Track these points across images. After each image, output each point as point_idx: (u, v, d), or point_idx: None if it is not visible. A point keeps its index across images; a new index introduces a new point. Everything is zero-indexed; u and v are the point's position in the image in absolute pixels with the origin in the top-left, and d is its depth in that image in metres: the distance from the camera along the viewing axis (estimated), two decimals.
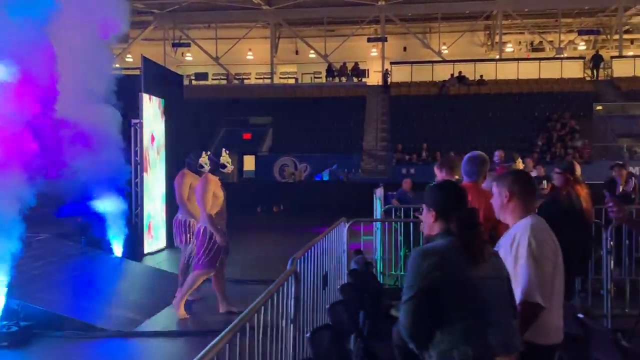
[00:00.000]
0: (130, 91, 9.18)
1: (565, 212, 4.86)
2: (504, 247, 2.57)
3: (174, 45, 30.27)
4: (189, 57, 31.99)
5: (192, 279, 5.93)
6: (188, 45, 30.45)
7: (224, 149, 6.15)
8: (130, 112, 9.38)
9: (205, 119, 21.91)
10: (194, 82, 28.63)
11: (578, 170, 5.12)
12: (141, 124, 9.48)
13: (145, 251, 9.42)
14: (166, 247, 10.25)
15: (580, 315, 2.98)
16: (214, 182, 5.82)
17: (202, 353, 1.77)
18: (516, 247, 2.52)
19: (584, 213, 4.96)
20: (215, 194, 5.76)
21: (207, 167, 6.40)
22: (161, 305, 6.36)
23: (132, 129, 9.54)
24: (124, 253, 8.38)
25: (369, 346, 3.29)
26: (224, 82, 29.77)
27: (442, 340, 2.18)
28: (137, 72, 10.72)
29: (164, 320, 5.96)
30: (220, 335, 1.97)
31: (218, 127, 23.61)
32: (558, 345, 2.59)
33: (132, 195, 9.25)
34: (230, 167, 6.02)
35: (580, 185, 5.01)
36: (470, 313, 2.19)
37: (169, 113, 10.77)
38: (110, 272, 7.60)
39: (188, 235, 6.58)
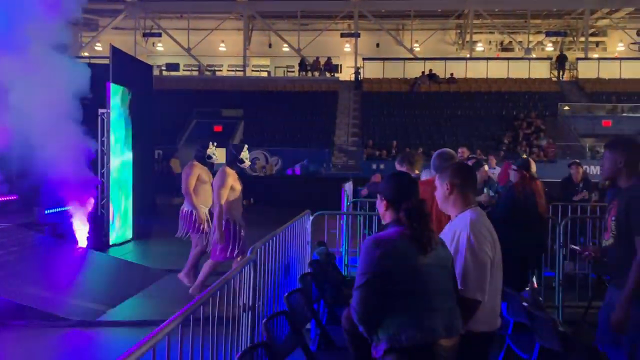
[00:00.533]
0: (99, 80, 9.07)
1: (520, 207, 5.06)
2: (445, 241, 2.65)
3: (144, 35, 29.84)
4: (160, 47, 31.58)
5: (209, 266, 5.96)
6: (159, 35, 30.07)
7: (245, 145, 6.18)
8: (98, 102, 9.28)
9: (175, 111, 21.72)
10: (164, 73, 28.31)
11: (533, 167, 5.31)
12: (108, 113, 9.38)
13: (111, 242, 9.35)
14: (133, 239, 10.19)
15: (525, 304, 3.14)
16: (232, 175, 5.82)
17: (152, 333, 1.83)
18: (456, 242, 2.60)
19: (538, 208, 5.16)
20: (233, 187, 5.78)
21: (215, 158, 6.39)
22: (125, 295, 6.35)
23: (99, 118, 9.44)
24: (88, 244, 8.31)
25: (327, 333, 3.40)
26: (196, 73, 29.53)
27: (391, 324, 2.29)
28: (106, 61, 10.58)
29: (127, 310, 5.95)
30: (169, 320, 2.03)
31: (188, 118, 23.42)
32: (493, 332, 2.71)
33: (98, 186, 9.16)
34: (247, 163, 6.06)
35: (535, 182, 5.21)
36: (417, 299, 2.31)
37: (138, 104, 10.67)
38: (73, 262, 7.53)
39: (196, 225, 6.50)
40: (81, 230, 8.31)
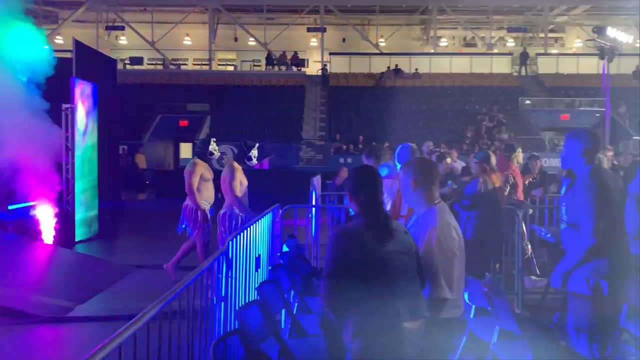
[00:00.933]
0: (61, 74, 8.91)
1: (482, 197, 5.28)
2: (414, 238, 2.73)
3: (107, 28, 29.23)
4: (123, 41, 30.98)
5: None
6: (122, 28, 29.49)
7: (257, 144, 6.26)
8: (60, 96, 9.12)
9: (140, 105, 21.41)
10: (128, 67, 27.81)
11: (493, 160, 5.55)
12: (72, 108, 9.24)
13: (78, 238, 9.24)
14: (98, 235, 10.08)
15: (485, 289, 3.32)
16: (240, 170, 5.94)
17: (131, 322, 1.90)
18: (426, 242, 2.69)
19: (498, 198, 5.40)
20: (241, 182, 5.88)
21: (216, 154, 6.41)
22: (93, 291, 6.32)
23: (63, 114, 9.29)
24: (54, 240, 8.21)
25: (297, 321, 3.52)
26: (160, 67, 29.11)
27: (357, 309, 2.42)
28: (67, 54, 10.40)
29: (96, 306, 5.94)
30: (148, 309, 2.10)
31: (153, 113, 23.12)
32: (457, 318, 2.86)
33: (63, 182, 9.03)
34: (254, 162, 6.13)
35: (495, 174, 5.45)
36: (381, 284, 2.44)
37: (102, 98, 10.53)
38: (40, 259, 7.43)
39: (199, 223, 6.46)
40: (46, 227, 8.20)
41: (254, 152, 6.12)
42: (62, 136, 9.08)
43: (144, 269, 7.39)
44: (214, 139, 6.63)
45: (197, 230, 6.44)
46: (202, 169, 6.46)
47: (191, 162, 6.56)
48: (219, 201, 6.31)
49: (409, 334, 2.43)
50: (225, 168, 5.95)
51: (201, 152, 6.52)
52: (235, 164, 5.94)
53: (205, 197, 6.47)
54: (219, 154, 6.42)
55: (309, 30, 29.45)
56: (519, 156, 7.11)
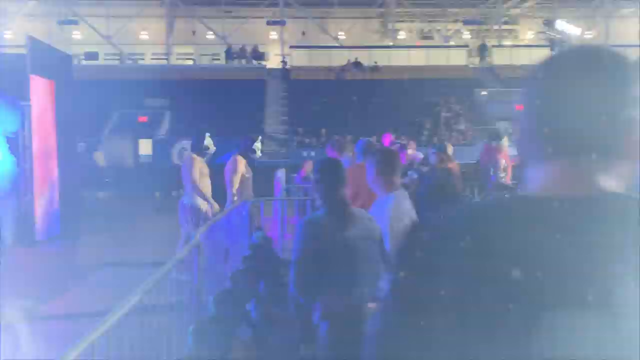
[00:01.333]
0: (14, 71, 8.72)
1: (440, 185, 5.52)
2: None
3: (60, 22, 28.41)
4: (77, 36, 30.17)
5: None
6: (76, 22, 28.72)
7: (259, 137, 6.29)
8: (13, 94, 8.91)
9: (97, 102, 20.95)
10: (84, 62, 27.13)
11: (450, 150, 5.83)
12: (30, 106, 9.04)
13: (38, 238, 9.07)
14: (60, 234, 9.92)
15: None
16: (243, 163, 5.99)
17: (107, 317, 1.99)
18: (381, 224, 2.86)
19: (455, 186, 5.66)
20: (243, 174, 5.95)
21: (212, 149, 6.41)
22: (60, 290, 6.30)
23: (20, 112, 9.08)
24: (13, 241, 8.06)
25: (267, 309, 3.65)
26: (117, 62, 28.52)
27: (324, 292, 2.59)
28: (18, 50, 10.13)
29: (62, 305, 5.92)
30: (127, 300, 2.20)
31: (111, 109, 22.67)
32: None
33: (21, 181, 8.85)
34: (259, 154, 6.18)
35: (452, 163, 5.72)
36: (345, 268, 2.61)
37: (58, 95, 10.32)
38: (1, 260, 7.30)
39: (194, 219, 6.40)
40: (5, 227, 8.03)
41: (258, 145, 6.23)
42: (20, 134, 8.91)
43: (108, 267, 7.38)
44: (208, 134, 6.63)
45: (190, 224, 6.42)
46: (200, 164, 6.45)
47: (189, 157, 6.51)
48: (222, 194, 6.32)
49: (372, 314, 2.61)
50: (229, 161, 6.04)
51: (197, 147, 6.50)
52: (239, 157, 6.04)
53: (206, 191, 6.49)
54: (214, 148, 6.45)
55: (268, 23, 29.38)
56: (505, 144, 7.56)
